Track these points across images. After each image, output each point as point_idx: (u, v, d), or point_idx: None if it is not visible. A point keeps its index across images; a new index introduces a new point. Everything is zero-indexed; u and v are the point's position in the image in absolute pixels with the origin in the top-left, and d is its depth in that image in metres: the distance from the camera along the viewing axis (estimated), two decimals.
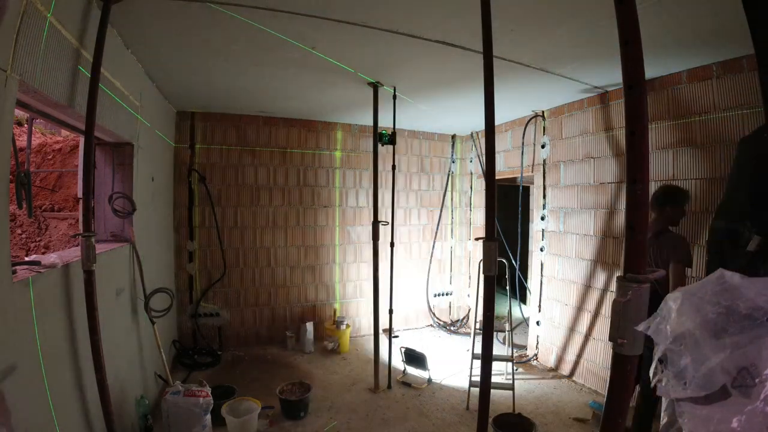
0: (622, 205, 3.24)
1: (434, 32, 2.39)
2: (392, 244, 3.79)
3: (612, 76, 3.14)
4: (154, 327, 3.02)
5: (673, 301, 0.97)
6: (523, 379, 3.87)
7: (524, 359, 4.29)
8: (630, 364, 0.98)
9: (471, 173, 5.57)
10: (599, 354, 3.55)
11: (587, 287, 3.68)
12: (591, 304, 3.64)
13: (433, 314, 5.65)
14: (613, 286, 1.00)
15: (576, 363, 3.78)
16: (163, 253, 3.83)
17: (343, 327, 4.58)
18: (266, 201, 4.74)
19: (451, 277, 5.82)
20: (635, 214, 0.99)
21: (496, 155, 4.79)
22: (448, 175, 5.71)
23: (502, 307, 6.15)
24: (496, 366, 3.36)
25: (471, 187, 5.57)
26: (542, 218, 4.23)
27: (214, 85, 3.49)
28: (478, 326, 3.98)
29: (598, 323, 3.56)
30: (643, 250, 0.98)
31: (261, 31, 2.43)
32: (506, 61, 2.81)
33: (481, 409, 1.80)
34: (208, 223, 4.48)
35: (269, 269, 4.78)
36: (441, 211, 5.60)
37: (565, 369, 3.90)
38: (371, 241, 3.64)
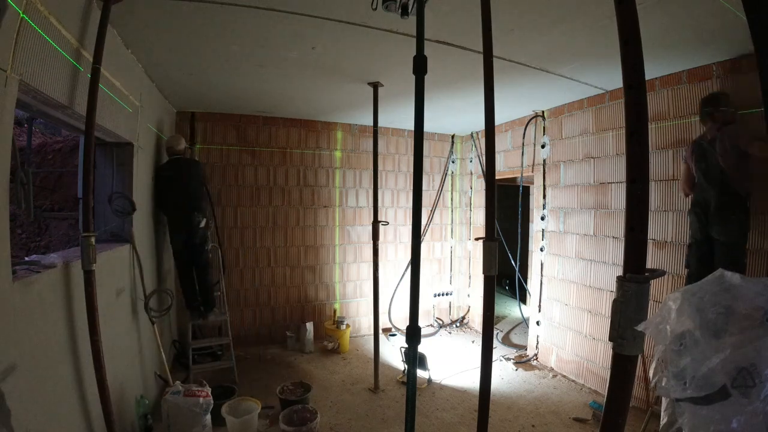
0: (622, 205, 3.24)
1: (434, 32, 2.39)
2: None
3: (612, 76, 3.14)
4: (154, 327, 3.02)
5: (673, 301, 0.97)
6: (523, 379, 3.88)
7: (524, 359, 4.29)
8: (630, 364, 0.98)
9: (471, 173, 5.57)
10: (599, 354, 3.55)
11: (587, 287, 3.68)
12: (591, 304, 3.64)
13: (434, 314, 5.66)
14: (613, 286, 0.99)
15: (576, 363, 3.78)
16: (163, 253, 3.83)
17: (343, 327, 4.58)
18: (266, 201, 4.74)
19: (451, 277, 5.82)
20: (635, 214, 0.98)
21: (496, 155, 4.81)
22: (448, 174, 5.71)
23: (502, 307, 6.17)
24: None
25: (471, 187, 5.57)
26: (542, 218, 4.22)
27: (214, 85, 3.49)
28: (477, 327, 3.98)
29: (598, 323, 3.56)
30: (643, 250, 0.98)
31: (260, 31, 2.43)
32: (506, 61, 2.81)
33: (481, 409, 1.80)
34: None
35: (269, 269, 4.78)
36: (433, 211, 5.60)
37: (565, 369, 3.90)
38: (371, 241, 3.64)
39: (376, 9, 1.99)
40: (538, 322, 4.29)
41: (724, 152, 2.44)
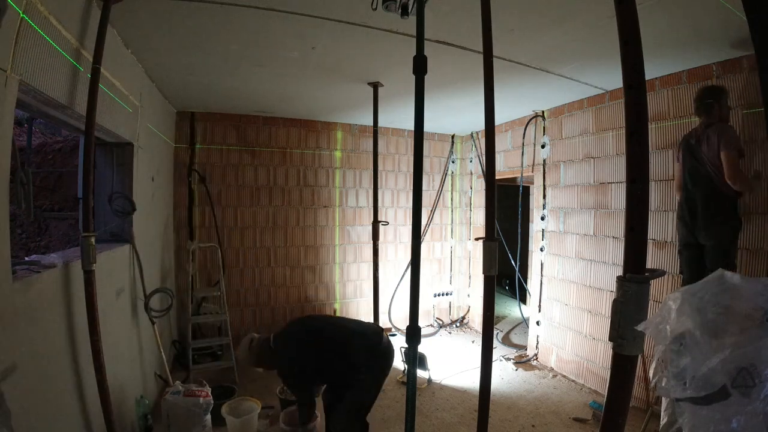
0: (622, 205, 3.24)
1: (434, 32, 2.39)
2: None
3: (612, 76, 3.14)
4: (154, 327, 3.02)
5: (673, 301, 0.97)
6: (523, 379, 3.87)
7: (524, 359, 4.29)
8: (630, 364, 0.98)
9: (471, 173, 5.57)
10: (599, 354, 3.55)
11: (587, 287, 3.68)
12: (591, 304, 3.64)
13: (434, 314, 5.66)
14: (613, 286, 0.99)
15: (576, 363, 3.78)
16: (163, 253, 3.83)
17: None
18: (266, 201, 4.74)
19: (451, 277, 5.82)
20: (635, 214, 0.98)
21: (496, 155, 4.82)
22: (448, 174, 5.71)
23: (502, 307, 6.17)
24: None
25: (471, 187, 5.57)
26: (542, 218, 4.22)
27: (214, 85, 3.49)
28: (477, 327, 3.98)
29: (598, 323, 3.56)
30: (643, 250, 0.98)
31: (260, 31, 2.43)
32: (506, 61, 2.81)
33: (481, 409, 1.80)
34: (208, 223, 4.47)
35: (269, 269, 4.77)
36: (433, 211, 5.59)
37: (566, 369, 3.90)
38: (371, 241, 3.64)
39: (376, 9, 1.99)
40: (538, 322, 4.29)
41: (710, 152, 2.35)
